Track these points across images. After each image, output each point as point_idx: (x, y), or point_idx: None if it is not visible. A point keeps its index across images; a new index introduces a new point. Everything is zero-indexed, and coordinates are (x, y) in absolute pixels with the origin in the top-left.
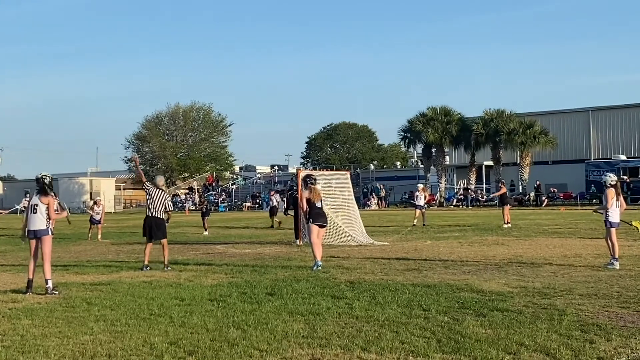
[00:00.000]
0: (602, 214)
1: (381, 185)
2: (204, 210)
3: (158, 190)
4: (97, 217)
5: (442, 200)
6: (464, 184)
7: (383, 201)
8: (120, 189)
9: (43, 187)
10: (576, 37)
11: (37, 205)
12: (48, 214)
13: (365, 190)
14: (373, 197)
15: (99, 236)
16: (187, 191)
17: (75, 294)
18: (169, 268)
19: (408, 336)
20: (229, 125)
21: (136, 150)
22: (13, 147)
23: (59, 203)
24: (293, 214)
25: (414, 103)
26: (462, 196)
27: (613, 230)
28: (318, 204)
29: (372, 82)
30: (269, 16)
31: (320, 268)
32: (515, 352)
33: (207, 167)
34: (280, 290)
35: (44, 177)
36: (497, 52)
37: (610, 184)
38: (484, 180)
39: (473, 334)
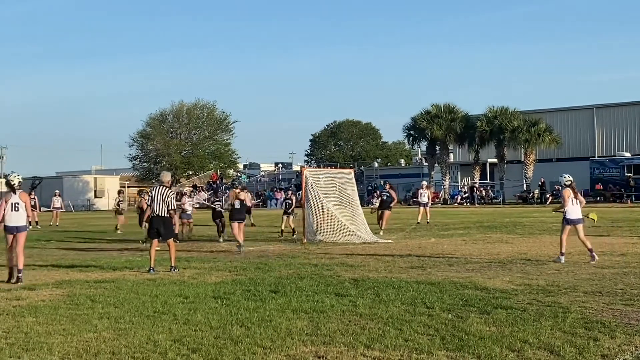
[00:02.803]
0: (562, 212)
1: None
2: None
3: (161, 188)
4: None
5: (447, 197)
6: (468, 181)
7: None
8: (124, 187)
9: (12, 187)
10: (581, 34)
11: (18, 203)
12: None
13: (369, 188)
14: (377, 195)
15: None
16: (191, 189)
17: (79, 291)
18: (176, 270)
19: (412, 334)
20: (233, 123)
21: (140, 148)
22: (17, 145)
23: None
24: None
25: (418, 100)
26: (466, 194)
27: (568, 227)
28: (237, 204)
29: (376, 79)
30: (273, 14)
31: (241, 249)
32: (519, 349)
33: (211, 165)
34: (284, 287)
35: (10, 178)
36: (501, 49)
37: (565, 184)
38: (488, 178)
39: (477, 332)
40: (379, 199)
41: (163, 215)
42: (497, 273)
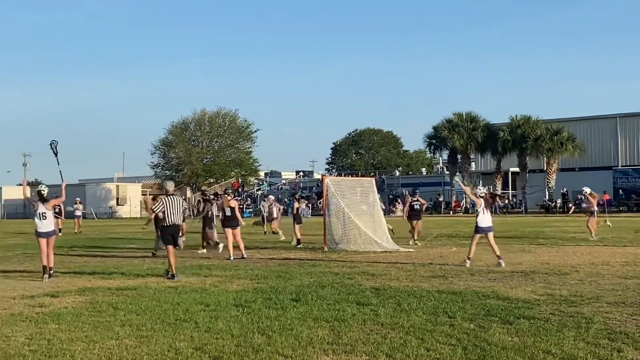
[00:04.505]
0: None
1: (406, 192)
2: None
3: (172, 197)
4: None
5: (468, 206)
6: (490, 190)
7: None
8: (146, 194)
9: (42, 197)
10: (604, 43)
11: (45, 212)
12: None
13: (390, 196)
14: (398, 204)
15: None
16: (212, 196)
17: (101, 298)
18: (176, 277)
19: (433, 343)
20: (255, 131)
21: (162, 156)
22: (41, 153)
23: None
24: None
25: (439, 109)
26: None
27: (478, 235)
28: (228, 211)
29: (398, 88)
30: (294, 23)
31: (230, 260)
32: None
33: (233, 173)
34: (305, 296)
35: (42, 190)
36: (523, 58)
37: (480, 196)
38: (510, 187)
39: (499, 342)
40: (408, 207)
41: (178, 223)
42: (520, 283)
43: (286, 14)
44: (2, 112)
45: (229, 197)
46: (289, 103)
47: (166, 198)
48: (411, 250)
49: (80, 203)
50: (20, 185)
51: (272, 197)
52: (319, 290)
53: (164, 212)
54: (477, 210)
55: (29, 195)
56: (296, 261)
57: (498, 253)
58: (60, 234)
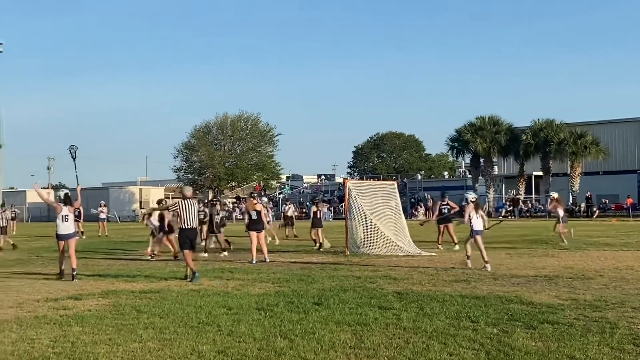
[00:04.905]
0: (460, 222)
1: (429, 195)
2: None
3: (190, 201)
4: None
5: (490, 210)
6: (513, 194)
7: (430, 211)
8: (169, 198)
9: (68, 200)
10: (628, 45)
11: (67, 215)
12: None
13: (412, 200)
14: (420, 207)
15: None
16: (234, 200)
17: (124, 301)
18: (197, 275)
19: (456, 348)
20: (277, 135)
21: (185, 160)
22: (64, 156)
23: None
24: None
25: (461, 112)
26: (510, 207)
27: (478, 237)
28: (253, 215)
29: (420, 91)
30: (315, 25)
31: (252, 264)
32: None
33: (255, 177)
34: (327, 300)
35: (65, 193)
36: (546, 60)
37: (471, 201)
38: (533, 191)
39: (523, 347)
40: (437, 211)
41: (195, 226)
42: (543, 287)
43: (308, 18)
44: (27, 117)
45: (254, 201)
46: (310, 106)
47: (183, 202)
48: (433, 254)
49: (104, 206)
50: (45, 188)
51: (265, 201)
52: (341, 294)
53: (179, 215)
54: (470, 215)
55: (46, 197)
56: (318, 265)
57: (486, 258)
58: (83, 237)
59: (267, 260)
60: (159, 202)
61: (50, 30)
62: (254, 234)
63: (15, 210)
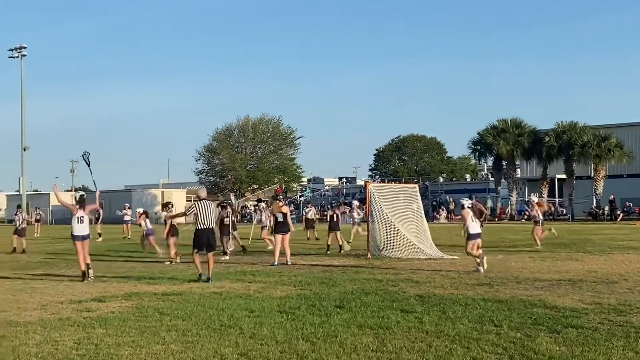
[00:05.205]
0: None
1: (450, 198)
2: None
3: (206, 202)
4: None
5: (513, 213)
6: (535, 197)
7: (452, 214)
8: (190, 200)
9: (82, 202)
10: None
11: (82, 217)
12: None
13: (434, 203)
14: (442, 210)
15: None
16: (255, 203)
17: (147, 303)
18: (211, 280)
19: (479, 352)
20: (298, 138)
21: (206, 162)
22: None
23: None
24: None
25: (483, 115)
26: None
27: (472, 241)
28: (279, 217)
29: (441, 93)
30: (337, 28)
31: (274, 266)
32: None
33: (276, 179)
34: (349, 303)
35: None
36: (570, 63)
37: (467, 207)
38: (557, 194)
39: (547, 351)
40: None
41: (212, 226)
42: (567, 291)
43: (329, 20)
44: (51, 120)
45: (281, 203)
46: (332, 109)
47: (199, 203)
48: (455, 257)
49: (129, 208)
50: (68, 191)
51: (262, 205)
52: (363, 297)
53: (196, 216)
54: (464, 220)
55: (62, 199)
56: (339, 267)
57: (481, 261)
58: (100, 239)
59: (289, 263)
60: (165, 205)
61: (74, 34)
62: (279, 236)
63: (40, 212)
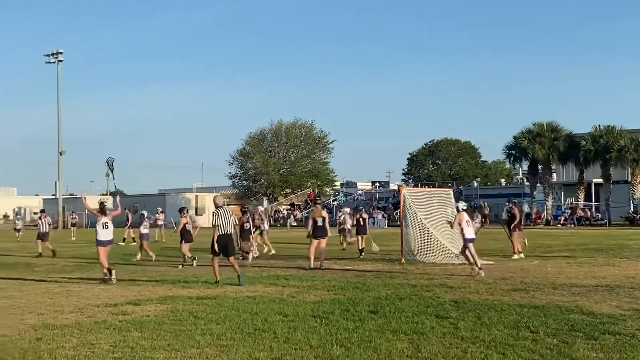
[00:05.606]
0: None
1: (485, 203)
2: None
3: (222, 208)
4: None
5: (549, 218)
6: (571, 202)
7: (487, 219)
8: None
9: (104, 208)
10: None
11: (107, 222)
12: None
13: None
14: (477, 215)
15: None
16: (289, 207)
17: (182, 307)
18: (243, 280)
19: (516, 358)
20: (331, 142)
21: (239, 166)
22: (122, 163)
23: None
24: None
25: (518, 119)
26: (568, 214)
27: (470, 244)
28: (319, 222)
29: (476, 97)
30: (370, 32)
31: (307, 270)
32: None
33: (309, 184)
34: (383, 308)
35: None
36: (606, 65)
37: (462, 209)
38: (593, 198)
39: (584, 358)
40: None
41: (230, 232)
42: (604, 297)
43: (361, 25)
44: (88, 124)
45: (321, 207)
46: (365, 113)
47: (218, 210)
48: (491, 263)
49: (161, 212)
50: (103, 194)
51: (260, 209)
52: (397, 302)
53: (218, 221)
54: (460, 223)
55: (88, 206)
56: (373, 272)
57: (479, 264)
58: (122, 244)
59: (323, 267)
60: (180, 210)
61: (110, 39)
62: (316, 241)
63: (76, 216)
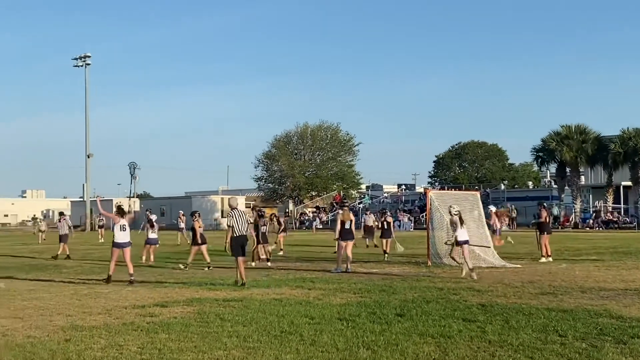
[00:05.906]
0: (452, 241)
1: (512, 206)
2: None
3: (237, 210)
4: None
5: (577, 221)
6: (599, 205)
7: (514, 222)
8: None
9: (122, 211)
10: None
11: (124, 225)
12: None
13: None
14: (503, 218)
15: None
16: (314, 210)
17: (208, 309)
18: (246, 285)
19: None
20: (357, 145)
21: (265, 169)
22: (149, 166)
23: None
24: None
25: (545, 121)
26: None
27: (465, 246)
28: (347, 224)
29: (503, 99)
30: (397, 34)
31: (336, 272)
32: None
33: (334, 186)
34: (410, 311)
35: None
36: (635, 67)
37: (454, 214)
38: (622, 201)
39: None
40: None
41: (245, 233)
42: (634, 301)
43: (388, 28)
44: (114, 127)
45: (348, 210)
46: (391, 116)
47: (233, 212)
48: (518, 266)
49: (183, 215)
50: (129, 197)
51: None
52: (424, 306)
53: (234, 222)
54: (455, 227)
55: (103, 210)
56: (399, 275)
57: (471, 266)
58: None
59: (350, 270)
60: (192, 214)
61: (137, 43)
62: (344, 243)
63: (102, 218)
